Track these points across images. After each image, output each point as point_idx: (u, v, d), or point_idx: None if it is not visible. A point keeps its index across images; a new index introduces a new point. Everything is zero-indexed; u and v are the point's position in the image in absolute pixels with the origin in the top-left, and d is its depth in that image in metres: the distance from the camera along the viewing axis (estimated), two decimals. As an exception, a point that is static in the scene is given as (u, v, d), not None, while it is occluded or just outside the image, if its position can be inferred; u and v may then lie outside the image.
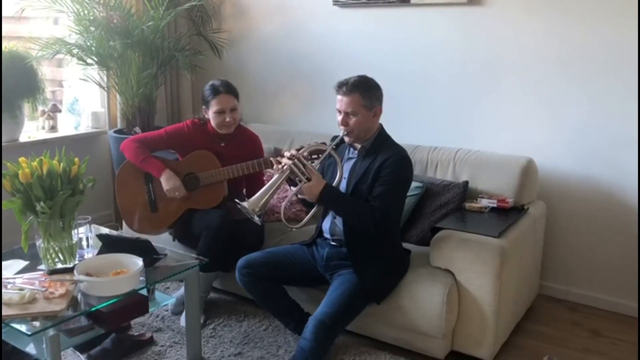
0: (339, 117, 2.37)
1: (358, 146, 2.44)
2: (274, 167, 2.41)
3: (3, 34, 3.43)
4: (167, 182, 2.80)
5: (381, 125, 2.46)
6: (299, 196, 2.49)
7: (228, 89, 2.84)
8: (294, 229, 2.47)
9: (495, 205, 2.71)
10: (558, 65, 2.94)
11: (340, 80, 2.38)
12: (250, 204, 2.30)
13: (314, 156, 2.49)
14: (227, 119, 2.82)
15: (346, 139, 2.40)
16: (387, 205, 2.29)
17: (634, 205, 2.86)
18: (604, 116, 2.87)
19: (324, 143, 2.46)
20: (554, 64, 2.95)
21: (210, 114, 2.85)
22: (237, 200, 2.37)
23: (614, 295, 2.98)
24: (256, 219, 2.31)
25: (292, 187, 2.44)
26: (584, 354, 2.60)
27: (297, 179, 2.34)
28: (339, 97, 2.36)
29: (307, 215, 2.48)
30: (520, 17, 2.98)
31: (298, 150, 2.47)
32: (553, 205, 3.03)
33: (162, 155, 2.96)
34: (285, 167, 2.33)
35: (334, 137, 2.43)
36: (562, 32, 2.90)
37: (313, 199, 2.35)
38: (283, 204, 2.61)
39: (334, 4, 3.52)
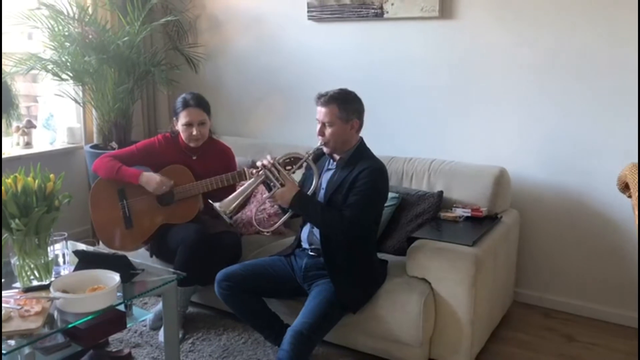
0: (317, 127, 2.43)
1: (337, 158, 2.48)
2: (253, 171, 2.49)
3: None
4: (148, 183, 2.80)
5: (361, 139, 2.50)
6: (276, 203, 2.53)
7: (197, 103, 2.85)
8: (266, 233, 2.63)
9: (469, 215, 2.76)
10: (528, 76, 3.02)
11: (320, 91, 2.43)
12: (222, 205, 2.40)
13: (288, 167, 2.53)
14: (194, 132, 2.84)
15: (324, 149, 2.45)
16: (357, 215, 2.32)
17: (603, 211, 2.94)
18: (573, 125, 2.95)
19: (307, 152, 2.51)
20: (523, 75, 3.03)
21: (179, 126, 2.87)
22: (210, 200, 2.46)
23: (587, 301, 3.05)
24: (228, 220, 2.45)
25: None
26: (558, 359, 2.65)
27: (272, 184, 2.40)
28: (318, 107, 2.42)
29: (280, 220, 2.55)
30: (491, 29, 3.06)
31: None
32: (526, 214, 3.10)
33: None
34: (260, 172, 2.40)
35: (316, 149, 2.49)
36: (531, 44, 2.98)
37: (285, 205, 2.42)
38: (254, 208, 2.67)
39: (309, 19, 3.57)
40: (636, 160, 1.73)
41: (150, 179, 2.81)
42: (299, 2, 3.58)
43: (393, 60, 3.38)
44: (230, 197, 2.43)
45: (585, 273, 3.05)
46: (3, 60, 3.42)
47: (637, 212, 1.36)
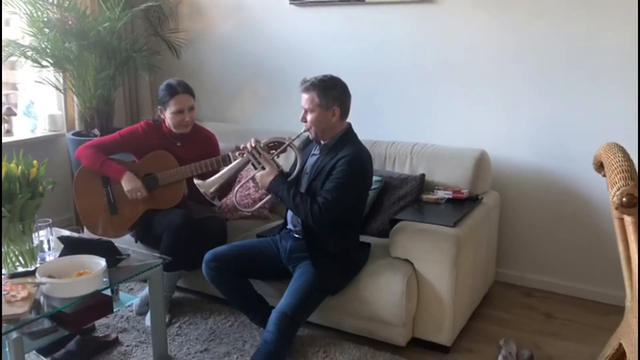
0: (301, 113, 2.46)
1: (322, 143, 2.50)
2: (237, 153, 2.55)
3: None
4: (127, 183, 2.80)
5: (349, 125, 2.51)
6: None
7: (185, 89, 2.85)
8: (247, 212, 2.84)
9: (450, 197, 2.81)
10: (509, 59, 3.06)
11: (305, 77, 2.44)
12: (204, 185, 2.49)
13: (272, 152, 2.56)
14: (186, 119, 2.84)
15: (309, 134, 2.48)
16: (329, 202, 2.33)
17: (581, 192, 3.01)
18: (552, 108, 3.00)
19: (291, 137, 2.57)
20: (505, 59, 3.07)
21: (168, 114, 2.85)
22: (195, 180, 2.53)
23: (565, 279, 3.13)
24: (210, 200, 2.55)
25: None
26: (538, 336, 2.72)
27: (255, 167, 2.47)
28: (301, 93, 2.44)
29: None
30: (473, 13, 3.09)
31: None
32: (506, 195, 3.16)
33: (119, 157, 2.95)
34: (244, 155, 2.47)
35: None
36: (512, 28, 3.02)
37: (264, 188, 2.47)
38: (236, 188, 2.78)
39: (291, 3, 3.57)
40: (611, 141, 1.78)
41: (131, 180, 2.80)
42: (281, -14, 3.58)
43: (375, 44, 3.40)
44: (213, 177, 2.49)
45: (564, 252, 3.12)
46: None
47: (611, 191, 1.41)
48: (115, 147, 2.93)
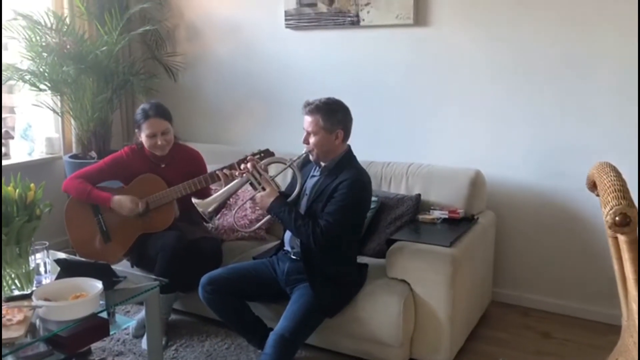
0: (303, 136, 2.46)
1: (323, 165, 2.51)
2: (237, 172, 2.52)
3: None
4: (120, 206, 2.81)
5: (348, 147, 2.53)
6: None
7: (158, 113, 2.86)
8: (245, 233, 2.77)
9: (446, 216, 2.82)
10: (500, 80, 3.10)
11: (308, 99, 2.46)
12: (202, 204, 2.47)
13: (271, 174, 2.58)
14: (159, 142, 2.85)
15: (310, 156, 2.48)
16: (330, 225, 2.33)
17: (576, 211, 3.03)
18: (545, 127, 3.04)
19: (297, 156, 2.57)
20: (496, 80, 3.11)
21: (143, 137, 2.88)
22: (193, 199, 2.51)
23: (562, 299, 3.13)
24: (208, 220, 2.53)
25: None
26: (536, 356, 2.72)
27: (255, 187, 2.46)
28: (304, 115, 2.44)
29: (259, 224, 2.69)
30: (466, 35, 3.14)
31: (255, 155, 2.63)
32: (502, 215, 3.17)
33: (107, 185, 2.95)
34: (244, 175, 2.45)
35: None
36: (502, 50, 3.07)
37: (264, 209, 2.45)
38: (234, 210, 2.73)
39: (287, 27, 3.62)
40: (604, 160, 1.80)
41: (122, 202, 2.81)
42: (276, 10, 3.63)
43: (370, 67, 3.44)
44: (211, 197, 2.49)
45: (561, 271, 3.13)
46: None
47: (604, 210, 1.43)
48: (101, 176, 2.93)
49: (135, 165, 2.92)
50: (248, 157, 2.55)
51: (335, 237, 2.37)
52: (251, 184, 2.49)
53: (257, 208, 3.00)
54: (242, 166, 2.50)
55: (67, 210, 2.94)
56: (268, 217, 2.57)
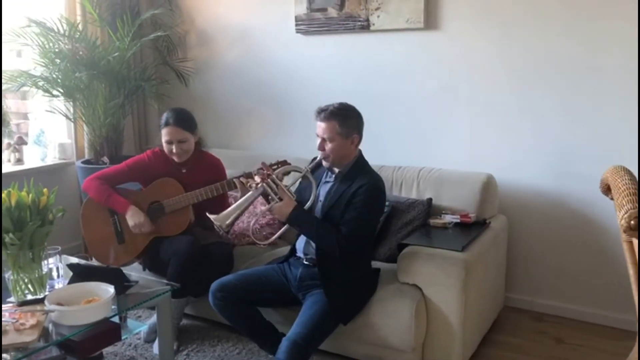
0: (318, 142, 2.44)
1: (336, 170, 2.49)
2: (248, 184, 2.46)
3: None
4: (131, 218, 2.82)
5: (360, 152, 2.51)
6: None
7: (176, 121, 2.85)
8: (262, 245, 2.63)
9: (458, 221, 2.80)
10: (511, 84, 3.09)
11: (320, 106, 2.43)
12: (218, 218, 2.38)
13: (285, 184, 2.52)
14: (174, 150, 2.86)
15: (324, 163, 2.46)
16: (353, 232, 2.33)
17: (589, 215, 3.00)
18: (556, 131, 3.01)
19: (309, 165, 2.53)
20: (506, 83, 3.10)
21: (162, 142, 2.91)
22: (207, 213, 2.44)
23: (576, 304, 3.10)
24: (225, 234, 2.45)
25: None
26: (549, 361, 2.70)
27: (270, 197, 2.40)
28: (318, 122, 2.42)
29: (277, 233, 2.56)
30: (475, 39, 3.13)
31: (271, 165, 2.58)
32: (514, 219, 3.15)
33: (126, 186, 2.98)
34: (259, 185, 2.39)
35: (313, 159, 2.51)
36: (513, 53, 3.05)
37: (282, 219, 2.41)
38: (252, 221, 2.68)
39: (297, 32, 3.63)
40: (617, 163, 1.78)
41: (135, 215, 2.82)
42: (287, 15, 3.64)
43: (380, 71, 3.44)
44: (227, 211, 2.41)
45: (574, 276, 3.10)
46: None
47: (619, 214, 1.41)
48: (122, 178, 2.95)
49: (157, 169, 2.94)
50: (263, 167, 2.51)
51: (358, 244, 2.36)
52: (264, 196, 2.42)
53: (267, 214, 2.98)
54: (258, 179, 2.43)
55: (84, 209, 2.97)
56: (285, 227, 2.54)
